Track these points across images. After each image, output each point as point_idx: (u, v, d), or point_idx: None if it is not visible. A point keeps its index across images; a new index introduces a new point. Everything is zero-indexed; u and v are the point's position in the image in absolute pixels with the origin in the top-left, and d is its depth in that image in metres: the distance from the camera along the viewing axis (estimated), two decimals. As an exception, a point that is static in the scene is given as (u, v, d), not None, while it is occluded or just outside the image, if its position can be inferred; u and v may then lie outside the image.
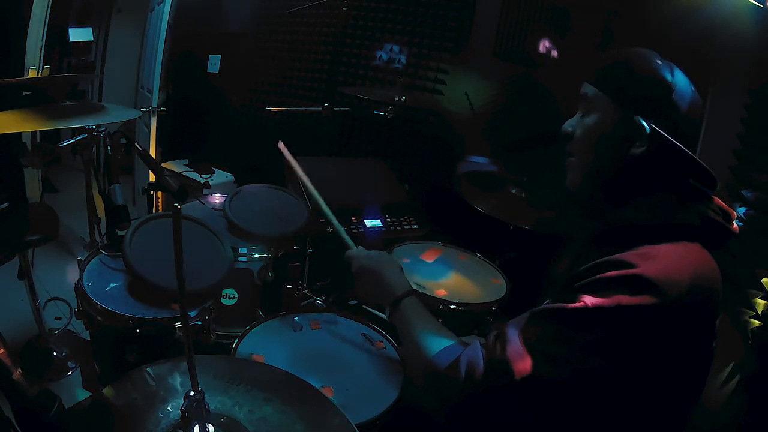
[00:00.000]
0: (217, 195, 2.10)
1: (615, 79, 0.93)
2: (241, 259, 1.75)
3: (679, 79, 0.90)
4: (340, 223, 1.37)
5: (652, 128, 0.88)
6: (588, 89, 0.97)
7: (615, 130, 0.92)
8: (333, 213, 1.37)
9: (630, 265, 0.80)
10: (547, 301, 0.96)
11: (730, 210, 0.92)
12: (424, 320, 1.07)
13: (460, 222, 2.08)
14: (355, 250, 1.30)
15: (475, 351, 0.88)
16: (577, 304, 0.80)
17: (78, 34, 4.38)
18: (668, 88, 0.89)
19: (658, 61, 0.91)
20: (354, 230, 2.05)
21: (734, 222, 0.92)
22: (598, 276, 0.82)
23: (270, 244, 1.78)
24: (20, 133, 2.82)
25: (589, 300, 0.80)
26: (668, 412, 0.84)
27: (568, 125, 1.01)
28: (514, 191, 2.09)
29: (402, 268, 1.24)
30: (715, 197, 0.92)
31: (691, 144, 0.91)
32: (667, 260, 0.81)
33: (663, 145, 0.88)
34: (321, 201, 1.40)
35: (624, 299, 0.78)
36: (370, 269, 1.21)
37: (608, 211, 0.95)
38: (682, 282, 0.79)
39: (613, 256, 0.83)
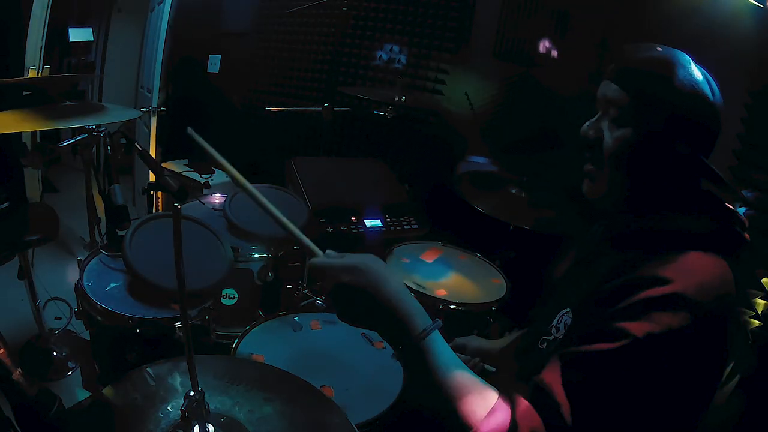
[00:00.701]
0: (217, 195, 2.10)
1: (656, 95, 0.86)
2: (241, 259, 1.75)
3: (718, 95, 0.87)
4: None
5: (691, 150, 0.87)
6: (616, 92, 0.89)
7: (651, 147, 0.87)
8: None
9: (666, 281, 0.77)
10: (567, 310, 0.92)
11: (744, 219, 0.92)
12: (452, 366, 0.82)
13: (460, 222, 2.08)
14: (323, 258, 0.88)
15: (532, 416, 0.77)
16: (623, 342, 0.74)
17: (78, 34, 4.37)
18: (716, 117, 0.86)
19: (700, 76, 0.86)
20: (354, 230, 2.05)
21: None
22: (635, 298, 0.77)
23: (270, 244, 1.78)
24: (20, 133, 2.82)
25: (634, 328, 0.74)
26: (690, 420, 0.83)
27: (589, 129, 0.93)
28: (514, 191, 2.09)
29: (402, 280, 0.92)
30: (731, 206, 0.92)
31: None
32: (701, 273, 0.80)
33: (695, 161, 0.87)
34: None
35: (672, 321, 0.74)
36: (359, 288, 0.82)
37: (623, 215, 0.93)
38: (712, 295, 0.78)
39: (645, 272, 0.79)
